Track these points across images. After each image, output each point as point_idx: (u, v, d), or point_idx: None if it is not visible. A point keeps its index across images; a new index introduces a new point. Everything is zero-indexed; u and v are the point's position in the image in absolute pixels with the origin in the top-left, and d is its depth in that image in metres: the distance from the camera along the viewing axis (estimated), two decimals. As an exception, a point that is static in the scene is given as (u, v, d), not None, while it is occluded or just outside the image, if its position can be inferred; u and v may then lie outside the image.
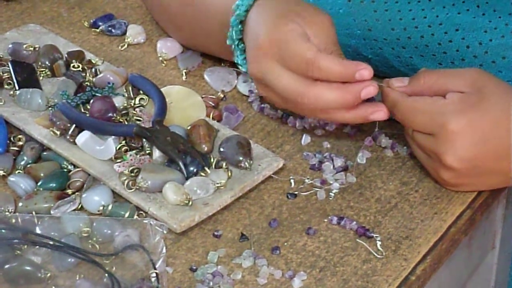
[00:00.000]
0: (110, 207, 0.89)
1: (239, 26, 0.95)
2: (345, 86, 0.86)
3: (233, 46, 0.97)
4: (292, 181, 0.93)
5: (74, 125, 0.95)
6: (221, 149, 0.93)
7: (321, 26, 0.90)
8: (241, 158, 0.92)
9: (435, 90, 0.88)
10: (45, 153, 0.96)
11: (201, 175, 0.91)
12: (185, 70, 1.08)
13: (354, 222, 0.88)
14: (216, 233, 0.88)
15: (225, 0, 0.97)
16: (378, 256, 0.85)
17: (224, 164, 0.92)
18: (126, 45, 1.13)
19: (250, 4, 0.94)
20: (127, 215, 0.88)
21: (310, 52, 0.86)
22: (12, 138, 0.98)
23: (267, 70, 0.89)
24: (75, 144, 0.94)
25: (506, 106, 0.86)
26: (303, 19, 0.89)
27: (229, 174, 0.91)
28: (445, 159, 0.86)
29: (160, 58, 1.10)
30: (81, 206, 0.90)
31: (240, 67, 0.99)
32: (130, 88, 1.01)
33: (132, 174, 0.91)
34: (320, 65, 0.85)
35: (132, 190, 0.90)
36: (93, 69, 1.05)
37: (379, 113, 0.88)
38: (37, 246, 0.85)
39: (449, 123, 0.85)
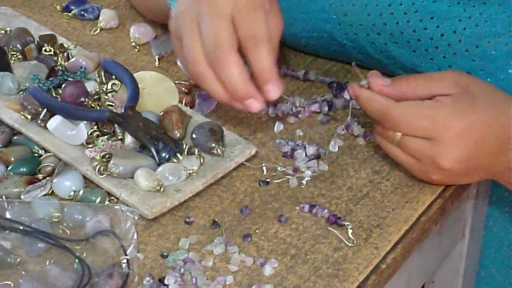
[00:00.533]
0: (81, 193, 0.88)
1: None
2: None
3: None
4: (264, 168, 0.93)
5: (45, 110, 0.94)
6: (194, 136, 0.93)
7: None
8: (213, 145, 0.92)
9: (419, 94, 0.88)
10: (15, 137, 0.95)
11: (173, 162, 0.90)
12: (158, 56, 1.08)
13: (326, 210, 0.88)
14: (187, 220, 0.88)
15: None
16: (349, 244, 0.85)
17: (196, 150, 0.92)
18: (98, 30, 1.13)
19: None
20: (98, 200, 0.88)
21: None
22: (-18, 122, 0.97)
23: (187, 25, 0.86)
24: (46, 128, 0.94)
25: (496, 102, 0.86)
26: None
27: (201, 160, 0.91)
28: (441, 162, 0.86)
29: (133, 43, 1.10)
30: (52, 191, 0.89)
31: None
32: (102, 73, 1.01)
33: (104, 159, 0.90)
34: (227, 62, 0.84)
35: (104, 175, 0.89)
36: (65, 53, 1.04)
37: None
38: (7, 231, 0.84)
39: (451, 126, 0.85)
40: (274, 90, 0.85)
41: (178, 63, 1.03)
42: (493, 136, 0.86)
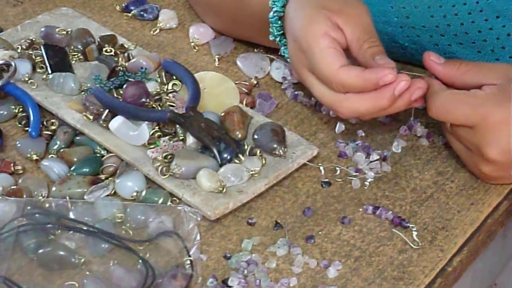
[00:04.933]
0: (143, 193, 0.89)
1: (279, 22, 0.95)
2: (377, 93, 0.85)
3: (276, 42, 0.96)
4: (322, 168, 0.92)
5: (107, 110, 0.95)
6: (255, 136, 0.93)
7: (354, 16, 0.89)
8: (275, 146, 0.91)
9: (466, 80, 0.87)
10: (78, 137, 0.96)
11: (235, 162, 0.90)
12: (217, 56, 1.07)
13: (390, 212, 0.87)
14: (250, 221, 0.87)
15: None
16: (414, 247, 0.84)
17: (258, 151, 0.91)
18: (158, 30, 1.13)
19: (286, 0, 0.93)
20: (160, 201, 0.88)
21: (330, 70, 0.86)
22: (45, 122, 0.97)
23: (303, 78, 0.91)
24: (108, 129, 0.94)
25: None
26: (332, 11, 0.89)
27: (263, 161, 0.91)
28: (487, 151, 0.84)
29: (192, 44, 1.10)
30: (115, 192, 0.90)
31: (289, 60, 0.98)
32: (163, 73, 1.01)
33: (166, 160, 0.90)
34: (342, 82, 0.86)
35: (166, 176, 0.89)
36: (126, 54, 1.05)
37: (418, 91, 0.87)
38: (71, 231, 0.85)
39: (491, 114, 0.84)
40: (386, 76, 0.85)
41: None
42: None
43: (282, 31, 0.95)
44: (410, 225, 0.86)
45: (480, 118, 0.84)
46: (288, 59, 0.97)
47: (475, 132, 0.85)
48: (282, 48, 0.97)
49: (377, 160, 0.93)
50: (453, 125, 0.88)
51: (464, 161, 0.90)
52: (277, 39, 0.96)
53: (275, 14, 0.95)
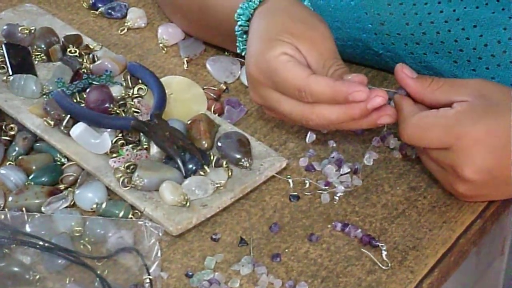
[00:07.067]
0: (104, 205, 0.85)
1: (244, 36, 0.92)
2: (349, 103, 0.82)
3: (243, 54, 0.93)
4: (290, 181, 0.89)
5: (68, 116, 0.91)
6: (219, 144, 0.89)
7: (315, 41, 0.85)
8: (239, 157, 0.88)
9: (437, 97, 0.84)
10: (38, 144, 0.92)
11: (200, 174, 0.87)
12: (186, 58, 1.04)
13: (359, 230, 0.84)
14: (214, 237, 0.84)
15: (230, 3, 0.93)
16: (384, 267, 0.81)
17: (224, 162, 0.88)
18: (126, 29, 1.09)
19: (251, 13, 0.90)
20: (121, 214, 0.84)
21: (299, 80, 0.82)
22: (3, 127, 0.94)
23: (266, 97, 0.86)
24: (70, 135, 0.90)
25: None
26: (295, 36, 0.85)
27: (230, 173, 0.87)
28: (462, 171, 0.81)
29: (161, 45, 1.06)
30: (74, 203, 0.86)
31: None
32: (128, 77, 0.97)
33: (128, 170, 0.87)
34: (312, 91, 0.82)
35: (128, 188, 0.86)
36: (91, 55, 1.01)
37: (385, 118, 0.83)
38: (26, 246, 0.81)
39: (465, 134, 0.80)
40: (357, 93, 0.81)
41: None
42: None
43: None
44: (380, 244, 0.83)
45: (454, 139, 0.81)
46: None
47: (450, 153, 0.81)
48: None
49: (347, 173, 0.89)
50: (427, 148, 0.84)
51: (438, 179, 0.87)
52: (243, 52, 0.93)
53: (240, 28, 0.92)
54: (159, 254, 0.81)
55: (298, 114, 0.84)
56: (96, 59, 1.00)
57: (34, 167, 0.89)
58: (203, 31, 1.02)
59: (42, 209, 0.85)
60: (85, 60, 1.00)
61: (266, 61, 0.84)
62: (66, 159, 0.90)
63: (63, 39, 1.02)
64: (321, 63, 0.84)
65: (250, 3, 0.91)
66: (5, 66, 0.98)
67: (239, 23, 0.91)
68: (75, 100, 0.94)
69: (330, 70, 0.84)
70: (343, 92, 0.81)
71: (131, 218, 0.84)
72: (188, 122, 0.91)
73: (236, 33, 0.92)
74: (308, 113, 0.84)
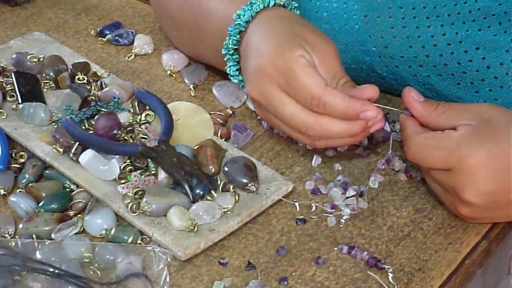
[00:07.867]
0: (113, 231, 0.86)
1: (237, 36, 0.92)
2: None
3: (227, 56, 0.94)
4: (297, 205, 0.90)
5: (77, 143, 0.92)
6: (226, 169, 0.90)
7: (327, 53, 0.87)
8: (246, 181, 0.89)
9: (441, 121, 0.85)
10: (47, 171, 0.93)
11: (208, 199, 0.88)
12: (192, 85, 1.05)
13: (365, 253, 0.84)
14: (222, 261, 0.85)
15: (227, 8, 0.94)
16: (390, 290, 0.82)
17: (231, 187, 0.89)
18: (133, 56, 1.10)
19: (252, 15, 0.91)
20: (130, 240, 0.85)
21: (317, 88, 0.83)
22: (14, 155, 0.95)
23: (270, 96, 0.87)
24: (79, 162, 0.91)
25: None
26: (310, 45, 0.86)
27: (237, 198, 0.88)
28: (464, 194, 0.82)
29: (168, 72, 1.07)
30: (83, 229, 0.87)
31: (231, 78, 0.96)
32: (136, 103, 0.98)
33: (136, 196, 0.88)
34: (326, 101, 0.83)
35: (136, 214, 0.87)
36: (99, 82, 1.02)
37: (377, 125, 0.86)
38: (37, 273, 0.82)
39: (467, 157, 0.81)
40: (368, 112, 0.84)
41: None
42: None
43: (237, 46, 0.93)
44: (386, 267, 0.83)
45: (456, 161, 0.82)
46: (233, 77, 0.95)
47: (452, 175, 0.82)
48: (230, 63, 0.94)
49: (353, 196, 0.90)
50: (429, 168, 0.85)
51: (442, 200, 0.88)
52: (230, 52, 0.93)
53: (236, 27, 0.92)
54: (167, 279, 0.82)
55: (299, 121, 0.85)
56: (104, 86, 1.02)
57: (43, 194, 0.90)
58: (194, 41, 1.03)
59: (52, 235, 0.86)
60: (93, 87, 1.01)
61: (285, 59, 0.85)
62: (75, 186, 0.91)
63: (71, 67, 1.04)
64: (331, 75, 0.86)
65: (254, 6, 0.91)
66: (14, 94, 1.00)
67: (236, 22, 0.92)
68: (83, 127, 0.95)
69: (340, 82, 0.86)
70: (356, 109, 0.83)
71: (139, 243, 0.85)
72: (195, 148, 0.92)
73: (230, 31, 0.92)
74: (311, 122, 0.85)
